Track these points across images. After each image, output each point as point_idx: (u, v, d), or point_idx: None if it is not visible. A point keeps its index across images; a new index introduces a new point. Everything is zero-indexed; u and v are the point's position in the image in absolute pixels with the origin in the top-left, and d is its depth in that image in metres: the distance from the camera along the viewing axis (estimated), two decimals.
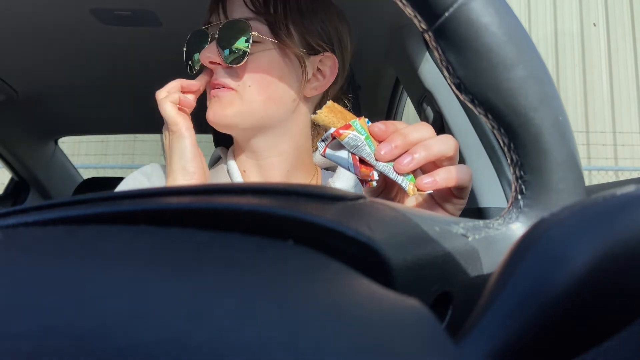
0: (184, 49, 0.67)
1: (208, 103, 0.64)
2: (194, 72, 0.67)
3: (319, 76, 0.69)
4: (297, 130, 0.68)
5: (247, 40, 0.62)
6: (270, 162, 0.68)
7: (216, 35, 0.62)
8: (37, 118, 1.56)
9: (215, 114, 0.63)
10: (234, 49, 0.62)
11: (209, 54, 0.62)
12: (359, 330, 0.12)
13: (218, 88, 0.63)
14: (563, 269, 0.15)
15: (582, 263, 0.15)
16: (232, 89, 0.62)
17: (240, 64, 0.62)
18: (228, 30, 0.62)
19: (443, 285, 0.21)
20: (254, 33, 0.62)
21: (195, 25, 0.69)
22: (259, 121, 0.64)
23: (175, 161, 0.58)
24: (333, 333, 0.11)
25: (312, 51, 0.67)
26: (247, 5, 0.63)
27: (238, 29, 0.62)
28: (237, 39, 0.62)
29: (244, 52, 0.61)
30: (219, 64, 0.62)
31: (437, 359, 0.12)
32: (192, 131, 0.59)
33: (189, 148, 0.58)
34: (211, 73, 0.64)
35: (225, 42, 0.62)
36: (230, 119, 0.62)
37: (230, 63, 0.62)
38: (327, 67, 0.69)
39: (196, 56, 0.66)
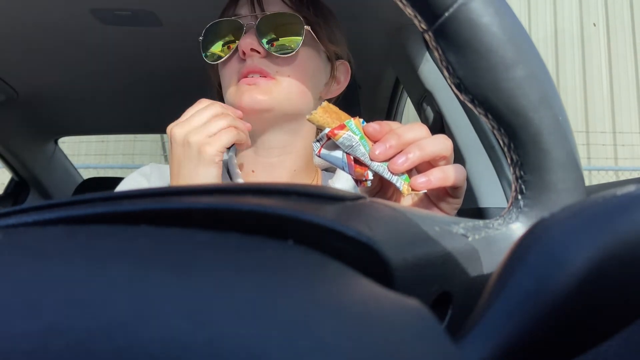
0: (200, 38, 0.67)
1: (240, 89, 0.63)
2: (215, 60, 0.67)
3: (333, 82, 0.72)
4: (309, 130, 0.70)
5: (298, 34, 0.63)
6: (281, 160, 0.69)
7: (255, 25, 0.63)
8: (37, 118, 1.56)
9: (252, 98, 0.61)
10: (281, 41, 0.63)
11: (251, 41, 0.62)
12: (359, 331, 0.12)
13: (253, 76, 0.63)
14: (563, 269, 0.15)
15: (582, 263, 0.15)
16: (270, 77, 0.63)
17: (288, 56, 0.63)
18: (275, 22, 0.63)
19: (443, 285, 0.21)
20: (307, 27, 0.64)
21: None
22: (289, 113, 0.65)
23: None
24: (333, 333, 0.11)
25: (335, 55, 0.70)
26: (285, 2, 0.65)
27: (289, 21, 0.64)
28: (286, 31, 0.63)
29: (294, 45, 0.63)
30: (258, 52, 0.63)
31: (437, 359, 0.12)
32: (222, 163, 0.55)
33: (216, 180, 0.53)
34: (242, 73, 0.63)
35: (271, 33, 0.63)
36: (268, 104, 0.62)
37: (275, 53, 0.63)
38: (341, 74, 0.72)
39: (215, 47, 0.66)
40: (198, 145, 0.52)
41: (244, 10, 0.66)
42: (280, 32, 0.63)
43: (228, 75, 0.66)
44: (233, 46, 0.65)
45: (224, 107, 0.57)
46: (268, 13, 0.64)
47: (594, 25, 5.06)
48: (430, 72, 0.94)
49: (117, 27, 1.05)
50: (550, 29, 5.05)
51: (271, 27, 0.63)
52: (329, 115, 0.43)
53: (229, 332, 0.10)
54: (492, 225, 0.27)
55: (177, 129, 0.53)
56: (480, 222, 0.26)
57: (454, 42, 0.26)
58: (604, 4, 5.11)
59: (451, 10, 0.26)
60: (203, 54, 0.67)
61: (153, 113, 1.58)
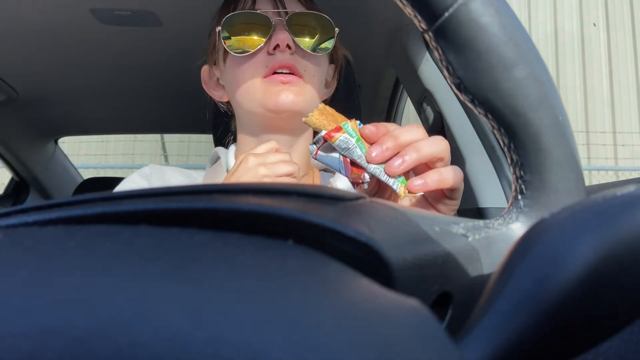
0: (218, 28, 0.66)
1: (274, 87, 0.63)
2: (240, 53, 0.66)
3: (327, 85, 0.74)
4: (311, 129, 0.71)
5: (331, 35, 0.64)
6: None
7: (284, 21, 0.64)
8: (37, 118, 1.56)
9: (289, 98, 0.62)
10: (313, 40, 0.64)
11: (287, 36, 0.63)
12: (358, 330, 0.12)
13: (284, 72, 0.63)
14: (563, 269, 0.15)
15: (582, 263, 0.15)
16: (299, 76, 0.64)
17: (320, 55, 0.64)
18: (306, 21, 0.64)
19: (443, 285, 0.21)
20: (337, 29, 0.65)
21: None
22: (305, 113, 0.65)
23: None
24: (333, 333, 0.11)
25: (337, 58, 0.73)
26: (301, 2, 0.66)
27: (321, 22, 0.65)
28: (318, 31, 0.64)
29: (326, 46, 0.64)
30: (290, 47, 0.63)
31: (437, 359, 0.12)
32: None
33: None
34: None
35: (303, 31, 0.64)
36: (302, 105, 0.63)
37: (310, 51, 0.64)
38: (332, 78, 0.74)
39: (239, 40, 0.65)
40: (261, 176, 0.56)
41: (265, 5, 0.66)
42: (311, 32, 0.64)
43: (252, 68, 0.65)
44: (257, 41, 0.64)
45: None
46: (297, 10, 0.64)
47: (594, 25, 5.05)
48: (430, 72, 0.94)
49: (117, 27, 1.04)
50: (550, 29, 5.05)
51: (302, 26, 0.64)
52: (325, 118, 0.43)
53: (229, 332, 0.10)
54: (492, 225, 0.27)
55: (253, 157, 0.58)
56: (480, 222, 0.26)
57: (454, 42, 0.26)
58: (604, 4, 5.10)
59: (451, 10, 0.26)
60: (225, 46, 0.66)
61: (153, 113, 1.58)
